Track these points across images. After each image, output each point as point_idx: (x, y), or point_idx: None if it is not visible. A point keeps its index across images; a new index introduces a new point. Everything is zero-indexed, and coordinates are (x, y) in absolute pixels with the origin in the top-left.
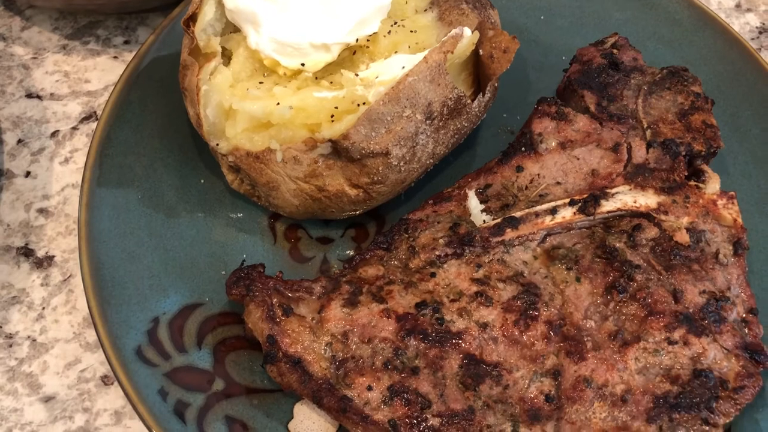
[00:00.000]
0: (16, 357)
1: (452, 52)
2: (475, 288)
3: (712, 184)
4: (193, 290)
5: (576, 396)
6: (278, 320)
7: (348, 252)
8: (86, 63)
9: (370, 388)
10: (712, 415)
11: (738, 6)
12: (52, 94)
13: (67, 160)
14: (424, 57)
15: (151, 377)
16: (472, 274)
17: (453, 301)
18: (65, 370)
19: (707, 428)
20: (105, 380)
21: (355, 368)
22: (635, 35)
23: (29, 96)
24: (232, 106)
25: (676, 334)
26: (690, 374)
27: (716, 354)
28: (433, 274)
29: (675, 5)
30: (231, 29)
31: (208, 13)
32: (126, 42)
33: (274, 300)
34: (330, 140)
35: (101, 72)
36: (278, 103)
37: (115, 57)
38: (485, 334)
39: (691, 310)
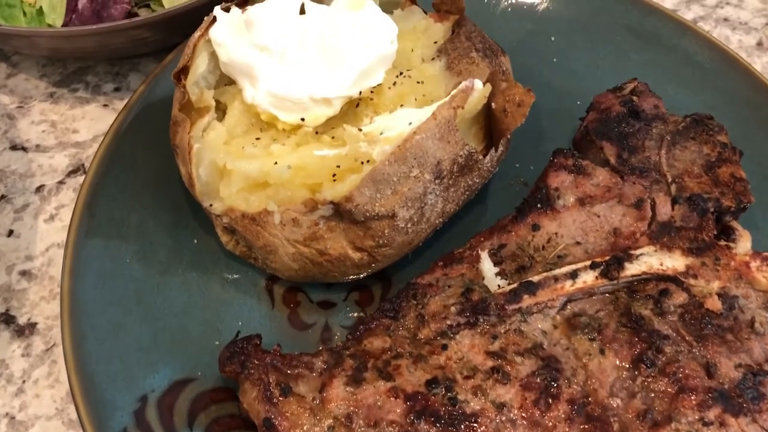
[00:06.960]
0: None
1: (463, 108)
2: (490, 362)
3: (743, 243)
4: (184, 364)
5: None
6: (276, 401)
7: (352, 315)
8: (74, 112)
9: None
10: None
11: (759, 44)
12: (37, 146)
13: (52, 217)
14: (433, 113)
15: None
16: (488, 346)
17: (467, 378)
18: None
19: None
20: None
21: None
22: (654, 78)
23: (14, 148)
24: (227, 165)
25: (711, 414)
26: None
27: None
28: (444, 347)
29: (695, 47)
30: (225, 81)
31: (200, 66)
32: (116, 89)
33: (272, 378)
34: (332, 202)
35: (90, 121)
36: (276, 162)
37: (105, 105)
38: (503, 416)
39: (726, 386)
